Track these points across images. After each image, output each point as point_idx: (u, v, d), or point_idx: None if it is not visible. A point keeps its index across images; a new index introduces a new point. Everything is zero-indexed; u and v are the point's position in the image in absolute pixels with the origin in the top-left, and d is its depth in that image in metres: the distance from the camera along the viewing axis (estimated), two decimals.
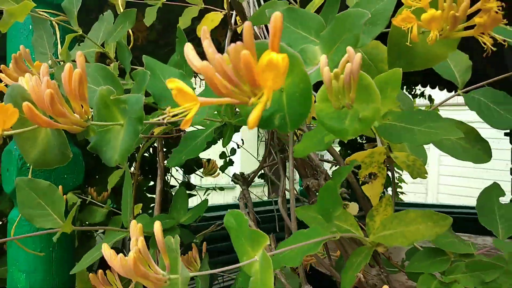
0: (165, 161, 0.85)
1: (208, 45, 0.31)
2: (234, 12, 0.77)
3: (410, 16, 0.41)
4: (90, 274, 0.64)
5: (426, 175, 0.52)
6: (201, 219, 0.88)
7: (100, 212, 0.88)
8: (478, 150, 0.58)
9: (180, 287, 0.36)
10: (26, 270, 0.84)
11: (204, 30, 0.33)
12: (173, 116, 0.35)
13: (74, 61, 0.62)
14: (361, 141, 4.90)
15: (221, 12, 0.81)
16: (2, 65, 0.53)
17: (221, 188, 2.41)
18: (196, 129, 0.59)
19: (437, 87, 5.03)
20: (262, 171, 0.93)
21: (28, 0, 0.55)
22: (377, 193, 0.52)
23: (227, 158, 1.84)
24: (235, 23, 0.77)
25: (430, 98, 5.70)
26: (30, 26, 0.83)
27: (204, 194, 1.97)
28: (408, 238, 0.46)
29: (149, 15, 0.76)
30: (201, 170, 1.38)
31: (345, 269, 0.51)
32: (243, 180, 0.75)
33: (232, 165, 1.98)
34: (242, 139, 2.25)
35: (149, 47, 1.38)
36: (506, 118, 0.56)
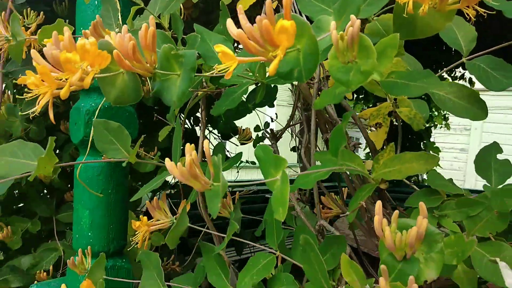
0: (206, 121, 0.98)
1: (242, 18, 0.43)
2: None
3: None
4: (147, 201, 0.78)
5: (423, 126, 0.62)
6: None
7: (150, 165, 1.03)
8: (477, 109, 0.68)
9: (220, 191, 0.49)
10: (89, 207, 1.01)
11: (239, 8, 0.44)
12: (219, 71, 0.48)
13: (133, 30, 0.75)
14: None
15: None
16: (83, 30, 0.67)
17: (253, 163, 2.55)
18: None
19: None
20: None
21: None
22: (381, 138, 0.62)
23: (260, 133, 1.97)
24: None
25: (471, 81, 5.55)
26: (96, 2, 0.97)
27: (237, 168, 2.11)
28: (403, 173, 0.57)
29: None
30: (237, 136, 1.51)
31: (352, 200, 0.63)
32: (272, 135, 0.87)
33: (263, 141, 2.11)
34: (276, 113, 2.37)
35: (192, 23, 1.52)
36: (500, 81, 0.65)
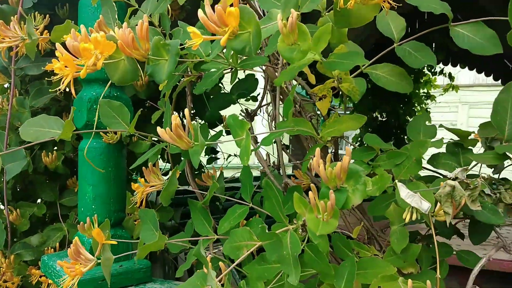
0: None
1: (206, 6, 0.60)
2: None
3: None
4: (143, 168, 0.95)
5: (359, 97, 0.79)
6: None
7: (145, 144, 1.19)
8: (405, 84, 0.85)
9: (199, 149, 0.66)
10: (92, 183, 1.17)
11: (206, 2, 0.61)
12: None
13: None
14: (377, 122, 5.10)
15: None
16: (90, 28, 0.83)
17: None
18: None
19: (458, 65, 5.12)
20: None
21: None
22: (326, 106, 0.80)
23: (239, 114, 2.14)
24: None
25: (450, 76, 5.78)
26: (95, 5, 1.14)
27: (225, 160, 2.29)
28: (341, 131, 0.75)
29: None
30: (222, 125, 1.67)
31: (305, 158, 0.80)
32: (246, 114, 1.04)
33: None
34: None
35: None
36: (419, 59, 0.82)
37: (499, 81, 4.86)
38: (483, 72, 4.84)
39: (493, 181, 0.84)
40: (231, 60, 0.85)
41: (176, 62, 0.69)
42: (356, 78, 0.86)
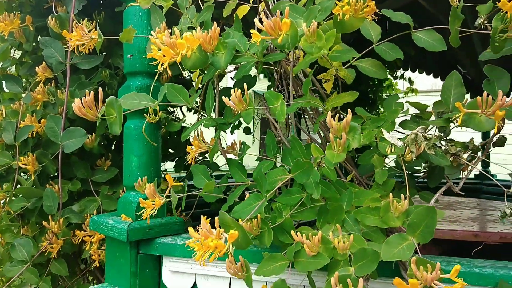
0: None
1: (263, 17, 0.93)
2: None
3: (337, 8, 1.03)
4: (194, 134, 1.26)
5: (351, 80, 1.14)
6: None
7: (178, 124, 1.50)
8: (381, 72, 1.21)
9: (252, 111, 0.98)
10: (137, 154, 1.46)
11: (262, 15, 0.95)
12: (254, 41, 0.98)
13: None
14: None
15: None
16: (153, 32, 1.14)
17: None
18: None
19: (416, 70, 5.64)
20: None
21: None
22: (329, 86, 1.14)
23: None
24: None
25: (410, 80, 6.32)
26: (139, 13, 1.43)
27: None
28: (340, 103, 1.09)
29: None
30: None
31: (315, 123, 1.14)
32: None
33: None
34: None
35: None
36: (391, 55, 1.18)
37: None
38: (439, 77, 5.35)
39: (442, 139, 1.21)
40: (259, 56, 1.18)
41: (232, 55, 1.01)
42: (348, 68, 1.22)
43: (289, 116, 1.29)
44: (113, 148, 1.98)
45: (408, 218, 0.98)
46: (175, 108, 2.13)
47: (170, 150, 2.16)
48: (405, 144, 1.03)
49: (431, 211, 0.89)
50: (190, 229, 0.87)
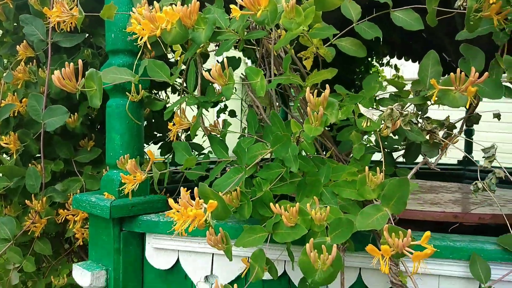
0: None
1: None
2: None
3: None
4: (182, 106, 1.27)
5: (331, 58, 1.16)
6: None
7: (160, 103, 1.51)
8: (360, 51, 1.23)
9: (231, 85, 1.00)
10: (119, 133, 1.46)
11: None
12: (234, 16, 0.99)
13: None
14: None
15: None
16: (134, 8, 1.14)
17: None
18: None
19: (403, 58, 5.69)
20: None
21: None
22: (309, 64, 1.16)
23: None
24: None
25: (396, 67, 6.38)
26: None
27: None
28: (320, 80, 1.11)
29: None
30: None
31: (296, 98, 1.16)
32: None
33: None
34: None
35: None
36: (370, 34, 1.20)
37: None
38: None
39: (419, 117, 1.25)
40: (240, 33, 1.19)
41: (212, 30, 1.02)
42: (328, 47, 1.23)
43: (272, 96, 1.30)
44: (97, 129, 1.97)
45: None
46: (159, 92, 2.13)
47: (155, 133, 2.17)
48: (381, 119, 1.06)
49: (404, 183, 0.92)
50: (170, 200, 0.89)
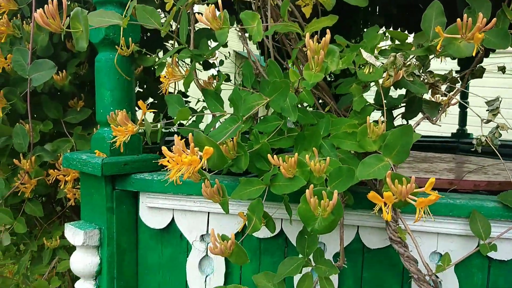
0: None
1: None
2: None
3: None
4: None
5: (331, 6, 1.10)
6: None
7: (152, 58, 1.44)
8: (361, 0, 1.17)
9: (227, 30, 0.94)
10: (110, 88, 1.40)
11: None
12: None
13: None
14: None
15: None
16: None
17: None
18: None
19: (399, 29, 5.60)
20: None
21: None
22: (308, 11, 1.10)
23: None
24: None
25: (392, 38, 6.28)
26: None
27: None
28: (320, 27, 1.06)
29: None
30: None
31: (294, 49, 1.11)
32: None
33: None
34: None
35: None
36: None
37: None
38: None
39: (421, 70, 1.20)
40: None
41: None
42: None
43: (269, 47, 1.25)
44: (86, 89, 1.90)
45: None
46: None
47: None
48: (383, 68, 1.01)
49: (408, 130, 0.89)
50: (164, 148, 0.85)
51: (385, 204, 0.80)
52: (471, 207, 1.19)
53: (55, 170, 1.62)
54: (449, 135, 4.41)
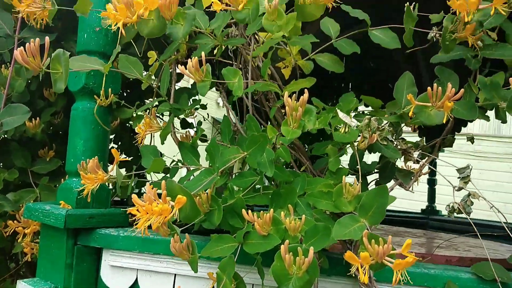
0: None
1: None
2: None
3: None
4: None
5: (309, 70, 1.15)
6: None
7: (129, 111, 1.44)
8: (338, 66, 1.22)
9: (208, 83, 0.95)
10: (83, 138, 1.37)
11: None
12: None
13: None
14: None
15: None
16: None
17: None
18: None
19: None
20: None
21: None
22: (287, 73, 1.14)
23: None
24: None
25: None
26: None
27: None
28: (298, 88, 1.09)
29: None
30: None
31: (272, 107, 1.13)
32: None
33: None
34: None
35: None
36: (349, 49, 1.20)
37: None
38: None
39: (394, 137, 1.23)
40: (219, 38, 1.17)
41: (191, 26, 0.99)
42: (306, 60, 1.23)
43: (248, 105, 1.27)
44: (58, 139, 1.86)
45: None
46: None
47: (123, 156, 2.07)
48: (359, 130, 1.04)
49: (383, 191, 0.89)
50: (134, 196, 0.81)
51: (362, 265, 0.77)
52: (446, 277, 1.16)
53: (15, 222, 1.52)
54: (419, 211, 4.47)
